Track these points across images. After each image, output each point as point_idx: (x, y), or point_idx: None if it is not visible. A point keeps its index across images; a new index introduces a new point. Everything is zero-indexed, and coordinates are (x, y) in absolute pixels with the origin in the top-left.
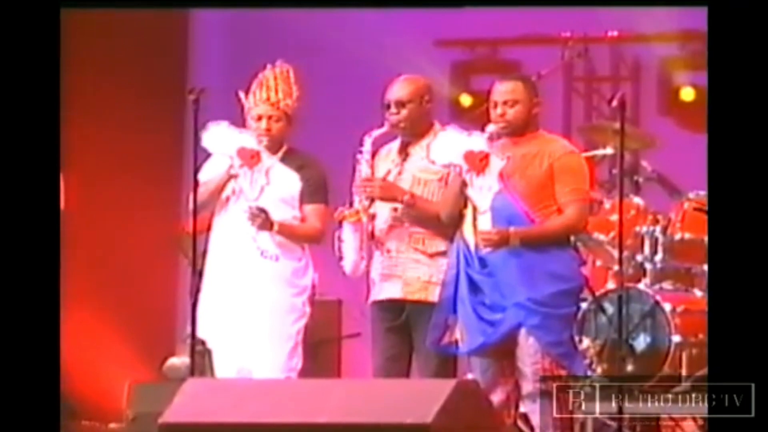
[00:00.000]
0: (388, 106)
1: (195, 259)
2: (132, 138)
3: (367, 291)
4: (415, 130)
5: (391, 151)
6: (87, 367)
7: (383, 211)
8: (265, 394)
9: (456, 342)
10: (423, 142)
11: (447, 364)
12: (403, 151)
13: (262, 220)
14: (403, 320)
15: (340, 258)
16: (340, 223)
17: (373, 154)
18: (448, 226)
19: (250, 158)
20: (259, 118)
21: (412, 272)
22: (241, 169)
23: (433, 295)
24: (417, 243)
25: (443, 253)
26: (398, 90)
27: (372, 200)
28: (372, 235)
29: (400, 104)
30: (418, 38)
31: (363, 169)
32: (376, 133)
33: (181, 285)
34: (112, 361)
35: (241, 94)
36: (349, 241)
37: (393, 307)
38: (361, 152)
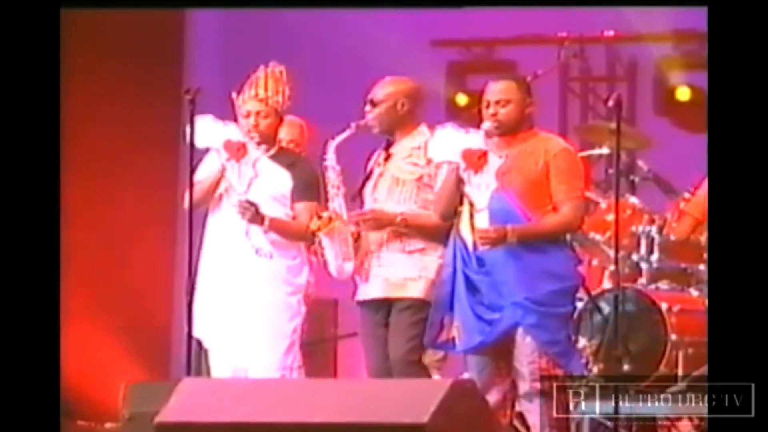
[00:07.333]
0: (365, 103)
1: (191, 258)
2: (130, 138)
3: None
4: (385, 132)
5: (380, 153)
6: (83, 366)
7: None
8: (261, 393)
9: (452, 340)
10: (404, 142)
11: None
12: (386, 152)
13: (252, 213)
14: (389, 319)
15: (325, 263)
16: (314, 234)
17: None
18: (443, 223)
19: (236, 151)
20: (248, 115)
21: (392, 271)
22: (228, 162)
23: (414, 292)
24: (396, 241)
25: (422, 250)
26: (375, 90)
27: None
28: (358, 237)
29: (373, 104)
30: (415, 38)
31: (330, 176)
32: (338, 139)
33: (177, 284)
34: (108, 360)
35: (234, 95)
36: (329, 247)
37: (378, 306)
38: (325, 159)
